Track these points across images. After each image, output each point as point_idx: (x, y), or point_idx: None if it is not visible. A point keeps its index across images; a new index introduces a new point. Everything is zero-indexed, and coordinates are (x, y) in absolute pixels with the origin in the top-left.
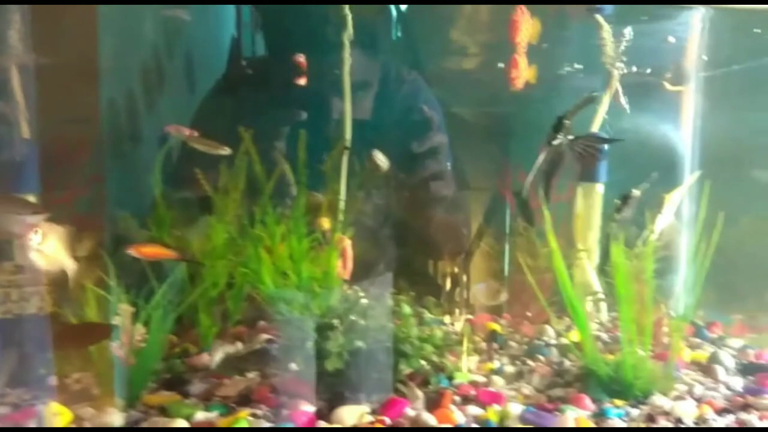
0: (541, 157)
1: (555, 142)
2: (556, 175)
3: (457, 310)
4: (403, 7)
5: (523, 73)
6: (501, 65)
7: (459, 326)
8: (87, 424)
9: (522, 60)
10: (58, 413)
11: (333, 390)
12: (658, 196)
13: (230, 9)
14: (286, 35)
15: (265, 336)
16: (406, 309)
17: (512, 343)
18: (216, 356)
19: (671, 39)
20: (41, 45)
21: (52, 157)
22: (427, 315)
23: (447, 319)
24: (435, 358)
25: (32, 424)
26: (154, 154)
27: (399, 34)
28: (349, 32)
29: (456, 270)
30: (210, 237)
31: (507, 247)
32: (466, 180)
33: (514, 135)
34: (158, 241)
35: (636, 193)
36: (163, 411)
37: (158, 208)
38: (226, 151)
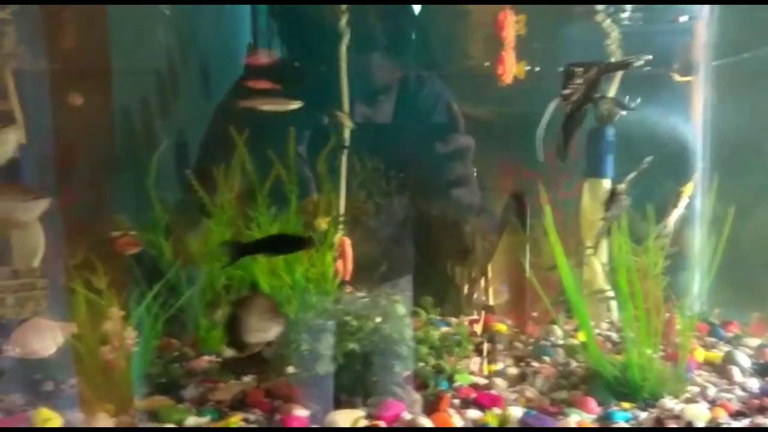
0: (550, 109)
1: (565, 92)
2: (575, 132)
3: (475, 312)
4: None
5: (511, 69)
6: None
7: (478, 328)
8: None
9: (509, 56)
10: (47, 419)
11: (328, 393)
12: (666, 188)
13: (246, 15)
14: (302, 39)
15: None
16: (401, 310)
17: (517, 344)
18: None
19: (679, 27)
20: (55, 49)
21: (53, 161)
22: (424, 317)
23: (465, 321)
24: (431, 360)
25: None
26: (170, 158)
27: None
28: (346, 39)
29: (474, 273)
30: (206, 239)
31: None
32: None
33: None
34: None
35: (621, 188)
36: (155, 416)
37: (154, 212)
38: (295, 104)
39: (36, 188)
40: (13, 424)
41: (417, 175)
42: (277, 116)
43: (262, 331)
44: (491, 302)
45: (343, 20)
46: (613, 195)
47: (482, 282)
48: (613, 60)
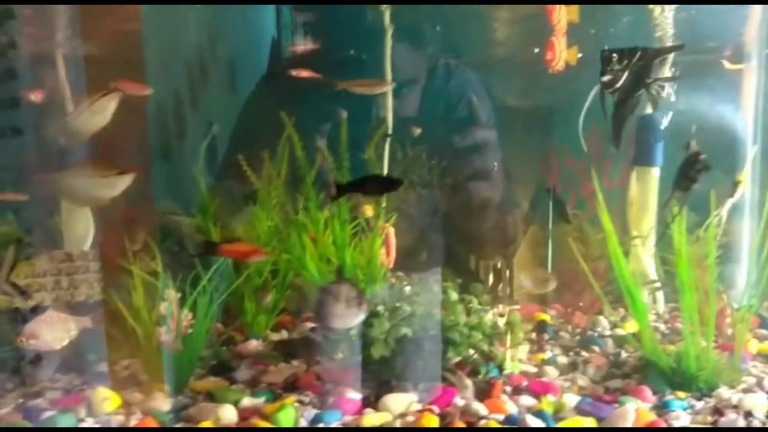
0: (591, 97)
1: (605, 78)
2: (626, 120)
3: (500, 304)
4: None
5: (561, 55)
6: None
7: (502, 320)
8: (135, 409)
9: (559, 42)
10: (106, 398)
11: (379, 378)
12: (716, 178)
13: (270, 11)
14: (329, 31)
15: (309, 325)
16: (453, 296)
17: (563, 334)
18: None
19: (731, 14)
20: (91, 44)
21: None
22: (475, 304)
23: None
24: (484, 347)
25: (81, 409)
26: (198, 149)
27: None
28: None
29: (499, 264)
30: (254, 225)
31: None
32: (508, 173)
33: (560, 122)
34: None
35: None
36: (211, 396)
37: (203, 198)
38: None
39: (120, 166)
40: (71, 403)
41: (440, 168)
42: (308, 105)
43: (348, 317)
44: (514, 294)
45: (387, 13)
46: (691, 160)
47: (505, 274)
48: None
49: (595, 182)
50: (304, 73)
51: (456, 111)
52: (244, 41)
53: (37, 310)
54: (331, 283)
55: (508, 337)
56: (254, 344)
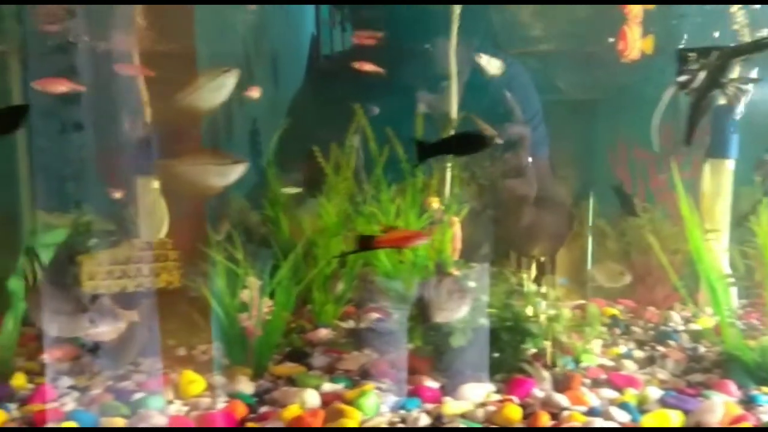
0: (666, 97)
1: (681, 79)
2: (699, 120)
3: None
4: None
5: (634, 44)
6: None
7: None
8: (219, 392)
9: (632, 31)
10: (193, 381)
11: (454, 367)
12: None
13: (310, 8)
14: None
15: (375, 315)
16: (531, 287)
17: (635, 329)
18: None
19: None
20: (149, 38)
21: (167, 140)
22: (551, 296)
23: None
24: (563, 339)
25: (168, 391)
26: (245, 143)
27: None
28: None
29: (542, 259)
30: (321, 215)
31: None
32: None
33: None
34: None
35: None
36: (291, 381)
37: (272, 188)
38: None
39: (235, 155)
40: (155, 387)
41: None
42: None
43: (452, 311)
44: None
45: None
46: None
47: (535, 270)
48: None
49: (674, 174)
50: (367, 67)
51: (501, 105)
52: (285, 38)
53: (95, 300)
54: (433, 277)
55: (587, 330)
56: (324, 332)
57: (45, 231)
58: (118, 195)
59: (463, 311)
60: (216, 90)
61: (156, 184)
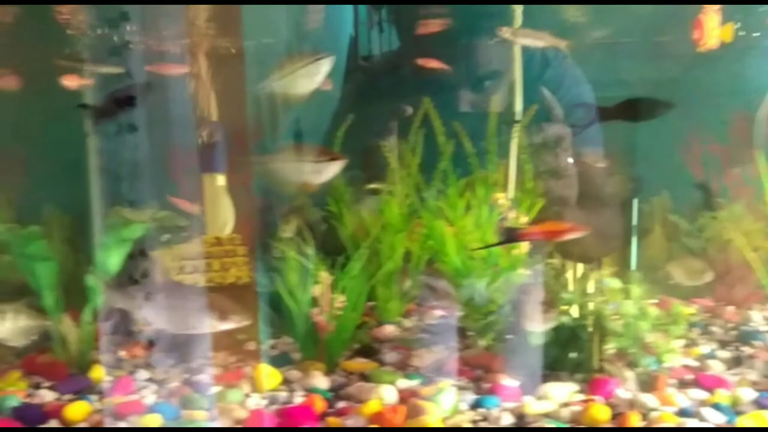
0: None
1: None
2: None
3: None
4: None
5: (711, 32)
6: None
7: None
8: (295, 386)
9: (710, 18)
10: (269, 374)
11: (532, 366)
12: None
13: (349, 10)
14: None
15: (439, 312)
16: (615, 283)
17: (714, 329)
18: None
19: None
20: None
21: (233, 139)
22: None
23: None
24: (649, 337)
25: (244, 385)
26: (286, 142)
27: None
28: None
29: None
30: (384, 211)
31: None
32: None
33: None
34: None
35: None
36: (364, 377)
37: (338, 186)
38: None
39: (333, 151)
40: (230, 379)
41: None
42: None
43: (537, 321)
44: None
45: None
46: None
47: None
48: None
49: (762, 169)
50: (433, 63)
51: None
52: (325, 38)
53: (148, 297)
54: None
55: (671, 329)
56: (389, 329)
57: (122, 226)
58: (189, 206)
59: (549, 323)
60: (310, 76)
61: (221, 181)
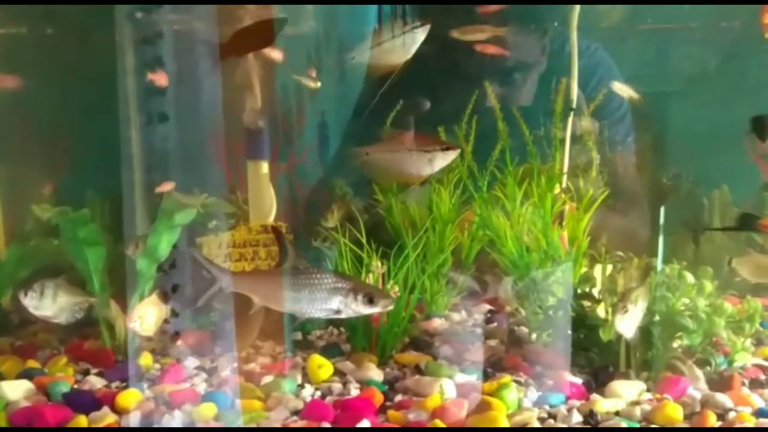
0: None
1: None
2: None
3: None
4: None
5: None
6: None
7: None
8: (349, 377)
9: None
10: (321, 365)
11: (597, 363)
12: None
13: (372, 6)
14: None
15: (487, 307)
16: (689, 278)
17: None
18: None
19: None
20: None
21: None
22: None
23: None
24: (723, 335)
25: (295, 375)
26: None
27: None
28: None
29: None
30: (435, 203)
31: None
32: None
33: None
34: None
35: None
36: (418, 370)
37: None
38: None
39: (446, 141)
40: (280, 369)
41: None
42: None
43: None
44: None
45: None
46: None
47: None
48: None
49: None
50: (491, 49)
51: (585, 92)
52: (350, 34)
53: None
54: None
55: (746, 327)
56: (438, 322)
57: (175, 211)
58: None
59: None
60: (406, 45)
61: (265, 169)
